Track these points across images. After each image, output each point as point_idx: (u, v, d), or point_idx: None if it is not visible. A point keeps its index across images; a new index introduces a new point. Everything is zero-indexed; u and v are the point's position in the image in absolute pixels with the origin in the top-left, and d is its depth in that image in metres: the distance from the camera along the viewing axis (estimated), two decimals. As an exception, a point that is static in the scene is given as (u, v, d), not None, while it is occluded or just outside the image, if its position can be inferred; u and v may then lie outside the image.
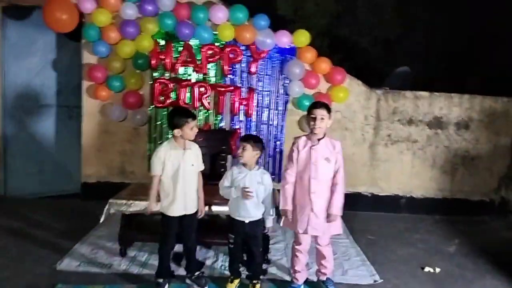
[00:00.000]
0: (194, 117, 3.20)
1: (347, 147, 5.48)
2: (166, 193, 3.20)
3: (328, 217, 3.15)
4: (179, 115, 3.18)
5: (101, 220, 3.75)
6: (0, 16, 5.30)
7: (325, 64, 5.28)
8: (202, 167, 3.36)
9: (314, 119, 3.14)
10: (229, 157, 5.18)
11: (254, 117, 5.43)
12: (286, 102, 5.43)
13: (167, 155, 3.17)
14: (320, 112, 3.15)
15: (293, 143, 3.29)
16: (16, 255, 3.83)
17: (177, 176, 3.15)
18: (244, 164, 3.21)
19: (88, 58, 5.31)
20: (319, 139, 3.18)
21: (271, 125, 5.47)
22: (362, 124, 5.56)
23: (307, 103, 5.17)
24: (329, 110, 3.20)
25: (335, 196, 3.14)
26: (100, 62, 5.28)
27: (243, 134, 5.41)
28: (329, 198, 3.16)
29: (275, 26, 5.26)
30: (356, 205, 5.40)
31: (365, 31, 11.03)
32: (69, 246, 4.01)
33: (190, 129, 3.15)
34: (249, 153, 3.16)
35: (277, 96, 5.42)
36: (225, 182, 3.26)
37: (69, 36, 5.48)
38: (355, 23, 11.35)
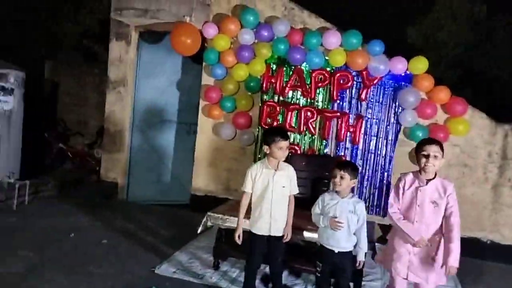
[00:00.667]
0: (285, 137, 3.20)
1: (466, 186, 4.97)
2: (254, 210, 3.24)
3: (442, 266, 2.80)
4: (271, 133, 3.24)
5: (198, 231, 3.94)
6: (137, 40, 5.99)
7: (443, 93, 4.89)
8: (295, 191, 3.33)
9: (427, 156, 2.86)
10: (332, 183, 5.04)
11: (360, 145, 5.24)
12: (397, 132, 5.14)
13: (258, 173, 3.21)
14: (433, 149, 2.86)
15: (399, 179, 3.05)
16: (123, 255, 4.20)
17: (264, 195, 3.17)
18: (337, 191, 3.10)
19: (207, 79, 5.70)
20: (428, 180, 2.89)
21: (378, 155, 5.21)
22: (484, 161, 4.98)
23: (420, 134, 4.85)
24: (442, 148, 2.92)
25: (451, 246, 2.76)
26: (216, 84, 5.63)
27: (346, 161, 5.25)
28: (437, 244, 2.86)
29: (403, 55, 5.04)
30: (470, 251, 4.79)
31: (504, 62, 10.01)
32: (170, 253, 4.28)
33: (279, 148, 3.15)
34: (347, 182, 3.05)
35: (388, 125, 5.16)
36: (316, 208, 3.18)
37: (193, 59, 5.97)
38: (492, 54, 10.39)
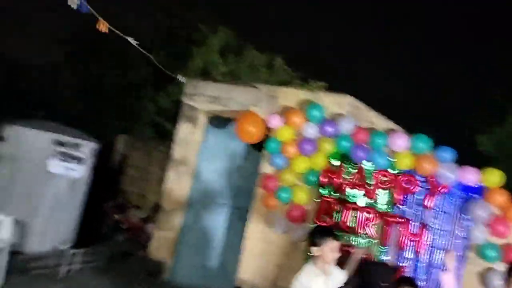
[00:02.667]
0: (337, 237, 2.99)
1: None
2: None
3: None
4: (321, 233, 3.04)
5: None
6: (204, 123, 6.23)
7: (521, 212, 4.46)
8: None
9: None
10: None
11: (424, 258, 4.80)
12: (465, 248, 4.68)
13: (309, 284, 2.96)
14: None
15: None
16: None
17: None
18: None
19: (266, 168, 5.69)
20: None
21: (445, 270, 4.71)
22: None
23: (492, 254, 4.37)
24: None
25: None
26: (274, 173, 5.59)
27: (408, 274, 4.80)
28: None
29: (471, 162, 4.78)
30: None
31: None
32: None
33: (330, 250, 2.92)
34: None
35: (455, 239, 4.73)
36: None
37: (255, 146, 6.04)
38: None
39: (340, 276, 3.08)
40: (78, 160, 5.54)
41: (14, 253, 4.91)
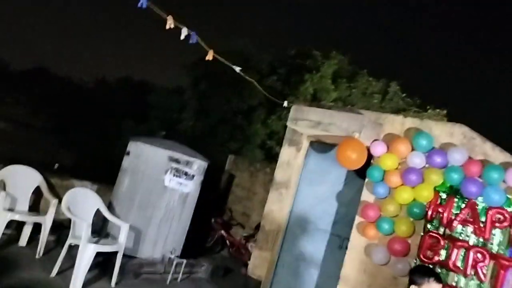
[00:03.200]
0: (439, 280, 2.82)
1: None
2: None
3: None
4: (421, 272, 2.91)
5: None
6: (307, 147, 6.33)
7: None
8: None
9: None
10: None
11: (546, 311, 4.19)
12: None
13: None
14: None
15: None
16: None
17: None
18: None
19: (367, 196, 5.54)
20: None
21: None
22: None
23: None
24: None
25: None
26: (376, 202, 5.42)
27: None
28: None
29: None
30: None
31: None
32: None
33: None
34: None
35: None
36: None
37: (358, 173, 5.93)
38: None
39: None
40: (189, 176, 6.03)
41: (129, 257, 5.49)
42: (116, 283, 5.05)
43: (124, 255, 5.20)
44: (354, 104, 12.51)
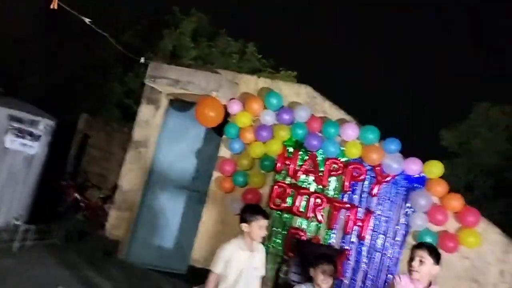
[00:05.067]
0: (266, 216, 3.17)
1: (474, 303, 4.64)
2: None
3: None
4: (251, 210, 3.20)
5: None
6: (166, 106, 6.30)
7: (456, 202, 4.76)
8: (263, 273, 3.24)
9: (411, 259, 2.79)
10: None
11: (367, 241, 5.07)
12: (405, 234, 4.97)
13: (233, 255, 3.12)
14: (419, 253, 2.79)
15: (394, 278, 2.96)
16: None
17: (238, 279, 3.08)
18: (314, 285, 3.00)
19: (224, 152, 5.83)
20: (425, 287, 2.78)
21: (384, 254, 5.01)
22: (495, 280, 4.67)
23: (429, 240, 4.65)
24: (435, 254, 2.81)
25: None
26: (232, 157, 5.74)
27: (352, 256, 5.07)
28: None
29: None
30: None
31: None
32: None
33: (259, 227, 3.10)
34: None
35: (396, 225, 5.01)
36: None
37: (216, 130, 6.16)
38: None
39: (263, 252, 3.28)
40: (34, 136, 5.53)
41: (-35, 227, 4.91)
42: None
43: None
44: (213, 63, 12.65)
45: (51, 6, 3.47)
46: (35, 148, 5.58)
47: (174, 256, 6.21)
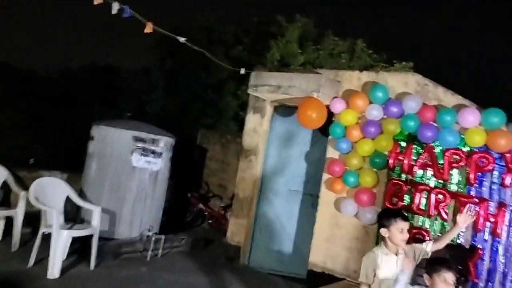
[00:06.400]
0: (405, 218, 2.98)
1: None
2: None
3: None
4: (389, 214, 3.06)
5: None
6: (271, 113, 6.40)
7: None
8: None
9: None
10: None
11: (503, 239, 4.44)
12: (550, 227, 4.24)
13: (381, 261, 2.99)
14: None
15: None
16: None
17: (391, 286, 2.92)
18: None
19: (332, 153, 5.69)
20: None
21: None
22: None
23: None
24: None
25: None
26: (340, 157, 5.56)
27: (485, 256, 4.50)
28: None
29: None
30: None
31: None
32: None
33: (399, 230, 2.92)
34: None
35: (538, 218, 4.31)
36: None
37: (322, 132, 6.05)
38: None
39: (412, 252, 3.09)
40: (157, 154, 6.07)
41: (106, 239, 5.57)
42: (96, 266, 5.13)
43: (101, 238, 5.27)
44: (322, 66, 12.54)
45: (145, 31, 3.76)
46: (159, 164, 6.12)
47: (293, 261, 6.23)
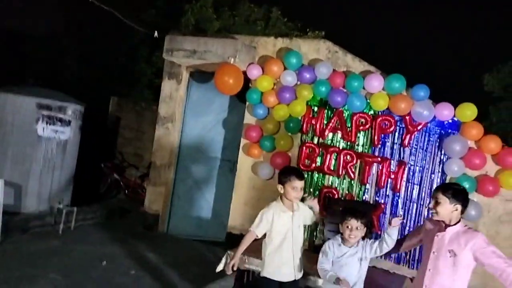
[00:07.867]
0: (300, 177, 3.11)
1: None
2: (272, 256, 3.13)
3: None
4: (285, 172, 3.17)
5: (217, 269, 3.88)
6: (187, 79, 6.30)
7: (494, 143, 4.49)
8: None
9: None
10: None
11: (402, 193, 4.92)
12: (442, 181, 4.77)
13: (276, 218, 3.11)
14: (434, 195, 2.77)
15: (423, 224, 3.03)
16: (147, 287, 4.24)
17: (284, 241, 3.07)
18: (343, 239, 2.94)
19: (249, 119, 5.78)
20: (446, 225, 2.74)
21: (421, 205, 4.85)
22: (543, 221, 4.42)
23: (467, 186, 4.44)
24: (453, 194, 2.70)
25: None
26: (257, 123, 5.68)
27: (387, 210, 4.95)
28: None
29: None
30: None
31: None
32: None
33: (292, 188, 3.06)
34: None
35: (432, 173, 4.82)
36: (324, 263, 3.00)
37: (240, 98, 6.10)
38: None
39: (305, 210, 3.24)
40: (65, 122, 5.71)
41: (11, 214, 5.20)
42: (1, 242, 4.79)
43: (6, 213, 4.91)
44: (239, 32, 12.48)
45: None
46: (67, 133, 5.77)
47: (212, 225, 6.33)
